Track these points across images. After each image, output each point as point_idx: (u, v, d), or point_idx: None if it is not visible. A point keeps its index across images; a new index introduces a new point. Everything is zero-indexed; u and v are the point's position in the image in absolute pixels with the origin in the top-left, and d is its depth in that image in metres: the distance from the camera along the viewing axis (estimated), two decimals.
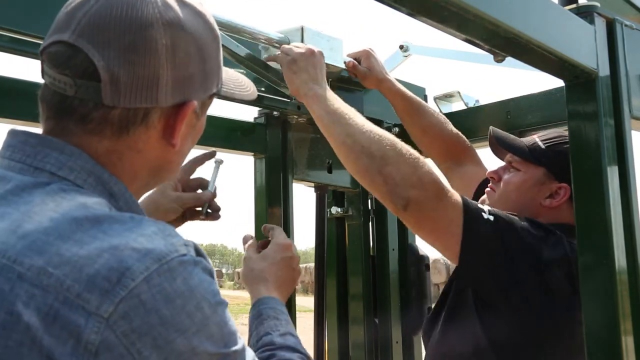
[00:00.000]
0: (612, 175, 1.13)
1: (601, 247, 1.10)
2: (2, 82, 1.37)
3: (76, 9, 0.74)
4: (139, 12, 0.73)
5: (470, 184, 1.80)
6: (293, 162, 1.81)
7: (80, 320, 0.59)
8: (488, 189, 1.63)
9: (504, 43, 1.02)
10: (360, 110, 2.01)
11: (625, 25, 1.22)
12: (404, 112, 1.80)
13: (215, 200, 1.29)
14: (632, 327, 1.09)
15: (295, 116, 1.73)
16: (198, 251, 0.70)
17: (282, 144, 1.79)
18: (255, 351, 0.89)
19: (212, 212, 1.27)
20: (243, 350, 0.72)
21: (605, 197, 1.11)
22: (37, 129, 0.80)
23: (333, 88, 1.71)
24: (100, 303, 0.60)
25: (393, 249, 2.10)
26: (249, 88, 0.99)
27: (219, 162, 1.33)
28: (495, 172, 1.62)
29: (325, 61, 1.48)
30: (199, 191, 1.30)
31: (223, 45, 1.19)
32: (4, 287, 0.60)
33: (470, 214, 1.28)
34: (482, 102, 2.22)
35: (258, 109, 1.78)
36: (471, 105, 2.23)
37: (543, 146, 1.54)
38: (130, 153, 0.77)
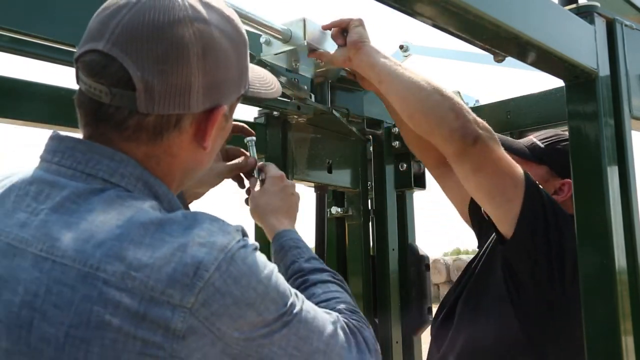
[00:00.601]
0: (612, 175, 1.13)
1: (601, 247, 1.10)
2: (2, 82, 1.37)
3: (109, 17, 0.76)
4: (171, 21, 0.75)
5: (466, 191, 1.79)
6: (293, 162, 1.81)
7: (167, 314, 0.66)
8: None
9: (504, 43, 1.02)
10: (361, 110, 2.02)
11: (625, 25, 1.22)
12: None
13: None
14: (632, 327, 1.09)
15: (295, 116, 1.73)
16: (243, 233, 0.77)
17: (282, 144, 1.79)
18: (287, 280, 0.93)
19: (265, 177, 1.28)
20: (295, 295, 0.80)
21: (605, 197, 1.11)
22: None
23: (332, 87, 1.72)
24: (182, 296, 0.67)
25: (393, 249, 2.10)
26: (273, 85, 1.01)
27: (252, 141, 1.37)
28: None
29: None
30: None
31: None
32: (92, 293, 0.66)
33: (530, 178, 1.32)
34: (482, 102, 2.22)
35: (258, 109, 1.78)
36: (471, 105, 2.23)
37: (542, 145, 1.55)
38: (166, 157, 0.80)
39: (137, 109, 0.75)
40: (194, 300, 0.67)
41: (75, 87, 0.80)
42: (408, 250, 2.13)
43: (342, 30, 1.41)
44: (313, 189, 1.94)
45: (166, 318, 0.66)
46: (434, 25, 0.95)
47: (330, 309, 0.92)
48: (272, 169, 1.28)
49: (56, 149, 0.78)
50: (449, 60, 2.55)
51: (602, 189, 1.11)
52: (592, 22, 1.16)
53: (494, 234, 1.62)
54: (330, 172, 1.94)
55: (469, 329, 1.48)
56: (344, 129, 1.73)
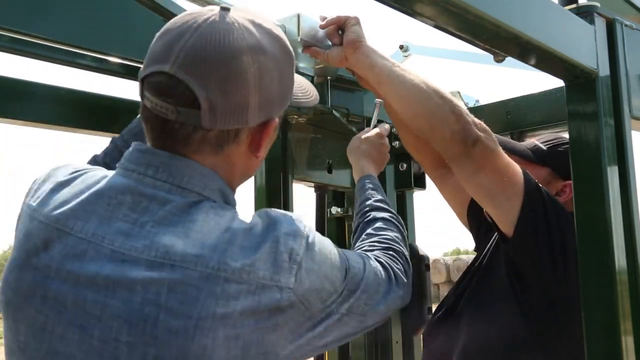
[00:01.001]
0: (612, 175, 1.13)
1: (601, 247, 1.10)
2: (2, 82, 1.37)
3: (173, 41, 0.84)
4: (230, 45, 0.83)
5: (466, 193, 1.79)
6: (293, 162, 1.81)
7: (277, 295, 0.81)
8: None
9: (504, 43, 1.02)
10: (361, 110, 2.01)
11: (625, 25, 1.22)
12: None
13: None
14: (632, 327, 1.09)
15: (295, 116, 1.73)
16: (304, 220, 0.92)
17: (282, 144, 1.79)
18: (357, 213, 1.22)
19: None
20: (349, 255, 0.98)
21: (605, 197, 1.11)
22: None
23: (332, 87, 1.72)
24: (287, 279, 0.83)
25: None
26: (311, 93, 1.12)
27: (380, 103, 1.56)
28: None
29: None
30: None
31: None
32: (216, 289, 0.78)
33: (529, 176, 1.34)
34: (482, 102, 2.22)
35: None
36: (471, 105, 2.23)
37: (544, 147, 1.55)
38: (227, 166, 0.90)
39: (201, 125, 0.84)
40: (294, 281, 0.83)
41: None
42: (408, 250, 2.12)
43: (339, 28, 1.40)
44: (313, 189, 1.94)
45: (277, 299, 0.81)
46: (434, 25, 0.95)
47: (374, 242, 1.13)
48: (382, 126, 1.54)
49: (149, 163, 0.86)
50: (449, 60, 2.55)
51: (602, 189, 1.11)
52: (592, 22, 1.16)
53: (494, 235, 1.62)
54: (330, 172, 1.94)
55: (473, 328, 1.48)
56: (344, 129, 1.73)
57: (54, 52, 1.40)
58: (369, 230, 1.20)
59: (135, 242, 0.80)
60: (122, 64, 1.58)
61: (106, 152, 1.20)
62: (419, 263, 2.11)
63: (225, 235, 0.82)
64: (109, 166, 1.04)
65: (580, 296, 1.13)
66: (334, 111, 1.69)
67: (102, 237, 0.81)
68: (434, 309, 2.12)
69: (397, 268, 1.10)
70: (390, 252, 1.13)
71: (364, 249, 1.12)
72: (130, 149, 0.89)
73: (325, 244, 0.92)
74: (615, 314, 1.07)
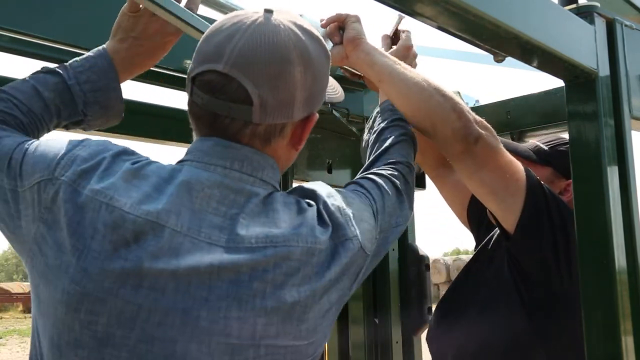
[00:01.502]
0: (612, 175, 1.13)
1: (601, 247, 1.10)
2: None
3: (224, 42, 0.90)
4: (278, 45, 0.90)
5: (465, 191, 1.79)
6: (293, 162, 1.81)
7: (350, 245, 0.94)
8: None
9: (504, 43, 1.02)
10: (361, 110, 2.02)
11: (625, 25, 1.22)
12: None
13: None
14: (632, 327, 1.09)
15: None
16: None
17: None
18: (374, 134, 1.27)
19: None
20: (367, 191, 1.07)
21: (605, 197, 1.11)
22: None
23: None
24: (351, 230, 0.94)
25: (393, 249, 2.10)
26: (337, 89, 1.18)
27: (401, 17, 1.52)
28: None
29: None
30: None
31: None
32: (312, 260, 0.89)
33: (531, 173, 1.34)
34: (482, 102, 2.22)
35: None
36: (471, 105, 2.23)
37: (546, 148, 1.56)
38: (273, 157, 0.96)
39: (251, 120, 0.90)
40: (354, 229, 0.95)
41: None
42: (408, 250, 2.13)
43: (339, 27, 1.40)
44: None
45: (351, 249, 0.94)
46: (434, 26, 0.95)
47: (389, 162, 1.19)
48: (406, 37, 1.51)
49: (234, 157, 0.92)
50: (449, 60, 2.55)
51: (602, 189, 1.11)
52: (592, 22, 1.16)
53: (493, 235, 1.62)
54: (330, 172, 1.94)
55: (473, 328, 1.48)
56: (344, 129, 1.73)
57: (54, 52, 1.40)
58: (381, 147, 1.25)
59: (230, 234, 0.86)
60: None
61: None
62: (419, 263, 2.12)
63: (303, 217, 0.92)
64: None
65: (581, 296, 1.13)
66: (334, 111, 1.69)
67: (197, 230, 0.86)
68: (434, 309, 2.12)
69: (406, 187, 1.18)
70: (398, 168, 1.20)
71: (379, 167, 1.19)
72: (210, 142, 0.93)
73: (350, 194, 1.03)
74: (615, 314, 1.07)
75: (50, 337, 0.84)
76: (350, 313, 2.05)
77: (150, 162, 0.92)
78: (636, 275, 1.11)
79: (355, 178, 1.16)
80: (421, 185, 2.17)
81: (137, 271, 0.82)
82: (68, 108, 1.09)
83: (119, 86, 1.14)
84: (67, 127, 1.13)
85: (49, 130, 1.10)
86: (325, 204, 0.96)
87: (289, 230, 0.89)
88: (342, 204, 0.97)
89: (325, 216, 0.94)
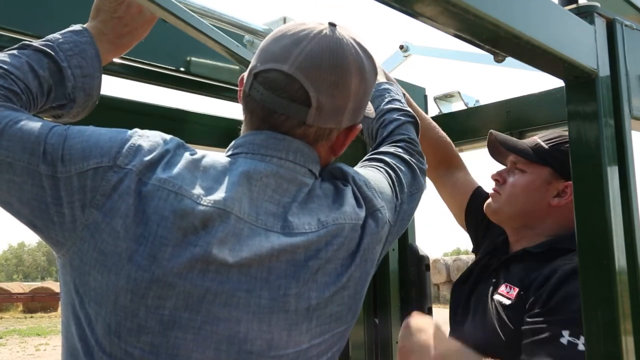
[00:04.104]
0: (612, 175, 1.13)
1: (601, 247, 1.10)
2: None
3: (291, 46, 0.96)
4: (342, 57, 0.97)
5: (463, 193, 1.79)
6: None
7: (380, 215, 1.06)
8: (492, 191, 1.62)
9: (504, 43, 1.02)
10: None
11: (625, 25, 1.22)
12: None
13: None
14: (632, 327, 1.09)
15: None
16: None
17: None
18: (379, 115, 1.38)
19: None
20: (385, 164, 1.21)
21: (605, 197, 1.11)
22: None
23: None
24: (378, 202, 1.07)
25: (393, 249, 2.10)
26: (370, 106, 1.24)
27: None
28: (499, 174, 1.61)
29: None
30: None
31: (219, 43, 1.21)
32: (354, 234, 1.01)
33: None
34: (482, 102, 2.22)
35: None
36: (471, 105, 2.23)
37: (546, 146, 1.54)
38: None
39: (305, 120, 0.97)
40: (380, 200, 1.07)
41: None
42: (408, 250, 2.13)
43: None
44: None
45: (383, 220, 1.06)
46: (434, 26, 0.95)
47: (399, 139, 1.29)
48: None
49: (288, 148, 0.99)
50: (449, 60, 2.55)
51: (602, 189, 1.11)
52: (592, 22, 1.16)
53: (491, 237, 1.62)
54: None
55: (479, 327, 1.48)
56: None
57: None
58: (388, 128, 1.33)
59: (284, 222, 0.94)
60: (122, 64, 1.58)
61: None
62: (419, 263, 2.12)
63: (344, 198, 1.01)
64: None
65: (581, 296, 1.13)
66: None
67: (255, 217, 0.92)
68: (434, 309, 2.12)
69: (415, 159, 1.26)
70: (405, 147, 1.28)
71: (386, 146, 1.27)
72: (263, 136, 0.99)
73: (368, 170, 1.13)
74: (615, 314, 1.07)
75: (106, 324, 0.85)
76: None
77: (205, 155, 0.97)
78: (636, 275, 1.11)
79: (365, 158, 1.23)
80: None
81: (206, 256, 0.86)
82: (57, 90, 1.07)
83: (101, 75, 1.14)
84: (44, 113, 1.10)
85: (34, 112, 1.07)
86: (354, 180, 1.05)
87: (336, 212, 0.98)
88: (367, 179, 1.07)
89: (358, 193, 1.03)
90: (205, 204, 0.89)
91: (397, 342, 2.00)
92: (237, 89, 1.08)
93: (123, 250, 0.84)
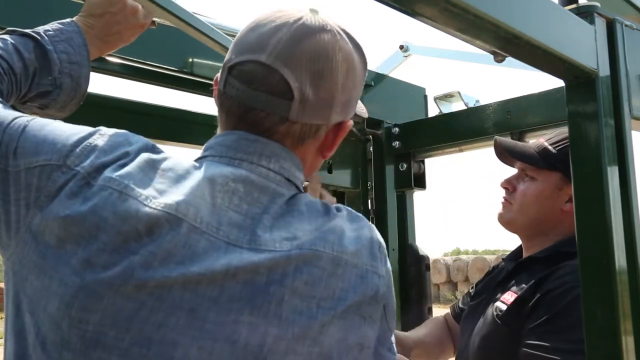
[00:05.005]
0: (612, 175, 1.13)
1: (601, 247, 1.10)
2: None
3: (269, 34, 0.85)
4: (325, 44, 0.86)
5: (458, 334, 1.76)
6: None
7: (376, 280, 0.85)
8: (503, 200, 1.60)
9: (504, 43, 1.02)
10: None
11: (626, 25, 1.22)
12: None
13: None
14: (632, 327, 1.09)
15: None
16: None
17: None
18: None
19: None
20: None
21: (605, 197, 1.10)
22: None
23: None
24: (381, 268, 0.87)
25: (393, 249, 2.10)
26: (362, 105, 1.16)
27: None
28: (508, 182, 1.59)
29: None
30: None
31: (219, 43, 1.20)
32: (338, 270, 0.81)
33: None
34: (482, 102, 2.22)
35: None
36: (471, 105, 2.23)
37: (554, 150, 1.51)
38: (301, 160, 0.91)
39: (288, 116, 0.85)
40: (384, 270, 0.88)
41: None
42: (408, 250, 2.13)
43: None
44: None
45: (376, 284, 0.85)
46: (434, 26, 0.95)
47: None
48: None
49: (262, 152, 0.86)
50: (449, 60, 2.55)
51: (602, 189, 1.11)
52: (592, 22, 1.16)
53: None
54: (330, 172, 1.94)
55: (478, 335, 1.49)
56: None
57: None
58: None
59: (252, 235, 0.80)
60: (122, 64, 1.58)
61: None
62: (419, 263, 2.12)
63: (334, 224, 0.85)
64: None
65: (581, 296, 1.13)
66: None
67: (215, 227, 0.78)
68: (434, 309, 2.12)
69: None
70: None
71: None
72: (233, 136, 0.87)
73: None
74: (615, 314, 1.07)
75: (34, 335, 0.75)
76: None
77: (169, 157, 0.85)
78: (636, 275, 1.11)
79: None
80: (421, 185, 2.17)
81: (146, 267, 0.74)
82: (43, 74, 1.03)
83: (90, 65, 1.10)
84: (29, 101, 1.05)
85: (18, 97, 1.03)
86: (372, 230, 0.89)
87: (315, 234, 0.82)
88: (384, 247, 0.90)
89: (368, 241, 0.87)
90: (153, 206, 0.76)
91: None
92: None
93: (62, 253, 0.75)
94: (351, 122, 0.95)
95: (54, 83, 1.04)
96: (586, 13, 1.16)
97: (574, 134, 1.17)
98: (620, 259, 1.10)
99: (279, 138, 0.87)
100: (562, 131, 1.58)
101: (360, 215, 0.91)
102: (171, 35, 1.55)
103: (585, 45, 1.13)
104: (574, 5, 1.19)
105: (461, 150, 2.11)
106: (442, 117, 2.19)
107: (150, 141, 0.87)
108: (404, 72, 2.50)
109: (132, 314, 0.73)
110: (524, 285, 1.43)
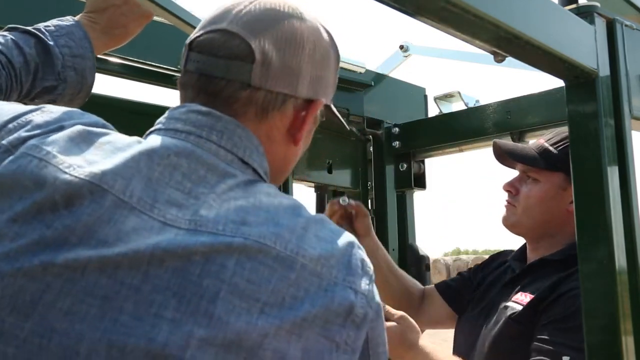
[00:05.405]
0: (612, 175, 1.13)
1: (601, 247, 1.10)
2: None
3: (230, 7, 0.81)
4: (290, 14, 0.82)
5: (440, 307, 1.75)
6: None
7: (351, 296, 0.69)
8: (506, 203, 1.60)
9: (504, 43, 1.02)
10: (361, 110, 2.01)
11: (626, 25, 1.22)
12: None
13: None
14: (632, 327, 1.09)
15: None
16: None
17: None
18: None
19: None
20: None
21: (605, 197, 1.11)
22: None
23: None
24: (361, 284, 0.71)
25: (393, 249, 2.10)
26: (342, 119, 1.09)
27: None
28: (511, 185, 1.58)
29: None
30: None
31: None
32: (291, 275, 0.67)
33: None
34: (482, 102, 2.22)
35: None
36: (471, 105, 2.23)
37: (555, 150, 1.51)
38: (267, 141, 0.81)
39: (250, 82, 0.78)
40: (368, 288, 0.71)
41: None
42: (408, 250, 2.13)
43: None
44: (313, 189, 1.95)
45: (350, 300, 0.69)
46: (434, 26, 0.95)
47: None
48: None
49: (212, 126, 0.76)
50: (449, 60, 2.55)
51: (602, 189, 1.11)
52: (592, 22, 1.16)
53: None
54: (330, 172, 1.94)
55: (486, 335, 1.48)
56: (344, 129, 1.73)
57: None
58: None
59: (194, 215, 0.68)
60: (122, 64, 1.58)
61: None
62: (419, 263, 2.12)
63: (299, 220, 0.72)
64: None
65: (581, 296, 1.13)
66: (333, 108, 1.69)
67: (149, 204, 0.68)
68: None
69: None
70: None
71: None
72: (183, 109, 0.79)
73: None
74: (615, 314, 1.07)
75: None
76: None
77: (112, 134, 0.76)
78: (636, 275, 1.11)
79: None
80: (421, 185, 2.17)
81: (60, 243, 0.64)
82: (46, 68, 1.02)
83: (94, 58, 1.09)
84: (36, 97, 1.04)
85: (21, 92, 1.01)
86: (353, 244, 0.74)
87: (269, 227, 0.69)
88: (371, 267, 0.75)
89: (344, 252, 0.73)
90: (74, 174, 0.67)
91: None
92: None
93: None
94: (323, 101, 0.86)
95: (58, 77, 1.03)
96: (586, 13, 1.16)
97: (574, 134, 1.17)
98: (620, 258, 1.10)
99: (239, 107, 0.78)
100: (561, 131, 1.57)
101: (343, 230, 0.76)
102: (171, 34, 1.55)
103: (585, 45, 1.13)
104: (574, 5, 1.19)
105: (461, 150, 2.11)
106: (442, 117, 2.19)
107: (105, 122, 0.79)
108: (404, 72, 2.51)
109: (35, 297, 0.62)
110: (539, 286, 1.42)
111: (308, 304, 0.66)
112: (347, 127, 1.19)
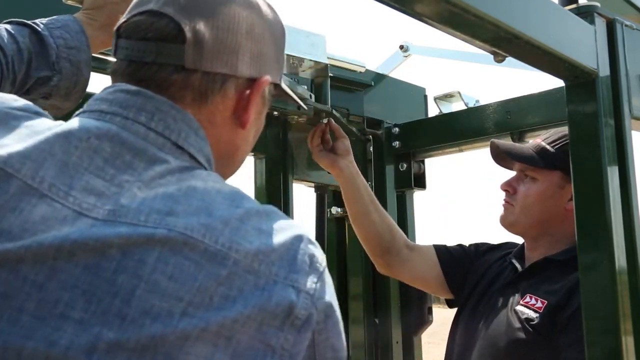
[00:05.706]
0: (612, 175, 1.13)
1: (601, 247, 1.10)
2: None
3: None
4: None
5: (429, 264, 1.72)
6: (293, 162, 1.81)
7: (292, 296, 0.62)
8: (504, 203, 1.60)
9: (504, 43, 1.02)
10: (361, 110, 2.01)
11: (626, 25, 1.22)
12: (345, 195, 1.73)
13: None
14: (632, 327, 1.09)
15: (295, 116, 1.73)
16: None
17: (282, 144, 1.79)
18: None
19: None
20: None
21: (605, 197, 1.11)
22: None
23: (332, 87, 1.71)
24: (305, 282, 0.64)
25: None
26: (305, 90, 1.10)
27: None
28: (508, 184, 1.58)
29: (306, 57, 1.49)
30: None
31: None
32: (221, 272, 0.60)
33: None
34: (482, 102, 2.22)
35: None
36: (471, 105, 2.23)
37: (552, 149, 1.51)
38: (209, 127, 0.74)
39: (183, 64, 0.71)
40: (315, 287, 0.64)
41: None
42: None
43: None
44: (313, 189, 1.95)
45: (291, 300, 0.62)
46: (434, 26, 0.95)
47: None
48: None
49: (141, 107, 0.69)
50: (449, 60, 2.55)
51: (602, 189, 1.11)
52: (592, 22, 1.16)
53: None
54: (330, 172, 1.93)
55: (487, 334, 1.48)
56: (343, 129, 1.73)
57: None
58: None
59: (115, 205, 0.61)
60: None
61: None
62: None
63: (237, 211, 0.65)
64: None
65: (581, 296, 1.13)
66: (334, 111, 1.69)
67: (64, 192, 0.61)
68: (434, 309, 2.12)
69: None
70: None
71: None
72: (111, 88, 0.72)
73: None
74: (615, 314, 1.07)
75: None
76: (350, 313, 2.05)
77: (38, 118, 0.70)
78: (636, 275, 1.12)
79: None
80: (421, 185, 2.17)
81: None
82: (40, 58, 1.01)
83: (90, 51, 1.07)
84: (31, 89, 1.02)
85: (15, 82, 0.99)
86: (300, 238, 0.67)
87: (200, 218, 0.62)
88: (323, 262, 0.68)
89: (289, 246, 0.65)
90: None
91: (397, 342, 2.00)
92: None
93: None
94: (269, 78, 0.79)
95: (52, 68, 1.02)
96: (586, 13, 1.16)
97: (574, 134, 1.17)
98: (620, 258, 1.10)
99: (175, 91, 0.72)
100: (559, 130, 1.57)
101: (293, 223, 0.68)
102: None
103: (585, 45, 1.13)
104: (574, 5, 1.19)
105: (461, 150, 2.11)
106: (442, 117, 2.19)
107: (40, 109, 0.73)
108: (404, 72, 2.50)
109: None
110: (551, 289, 1.41)
111: (240, 304, 0.59)
112: (303, 105, 1.15)
